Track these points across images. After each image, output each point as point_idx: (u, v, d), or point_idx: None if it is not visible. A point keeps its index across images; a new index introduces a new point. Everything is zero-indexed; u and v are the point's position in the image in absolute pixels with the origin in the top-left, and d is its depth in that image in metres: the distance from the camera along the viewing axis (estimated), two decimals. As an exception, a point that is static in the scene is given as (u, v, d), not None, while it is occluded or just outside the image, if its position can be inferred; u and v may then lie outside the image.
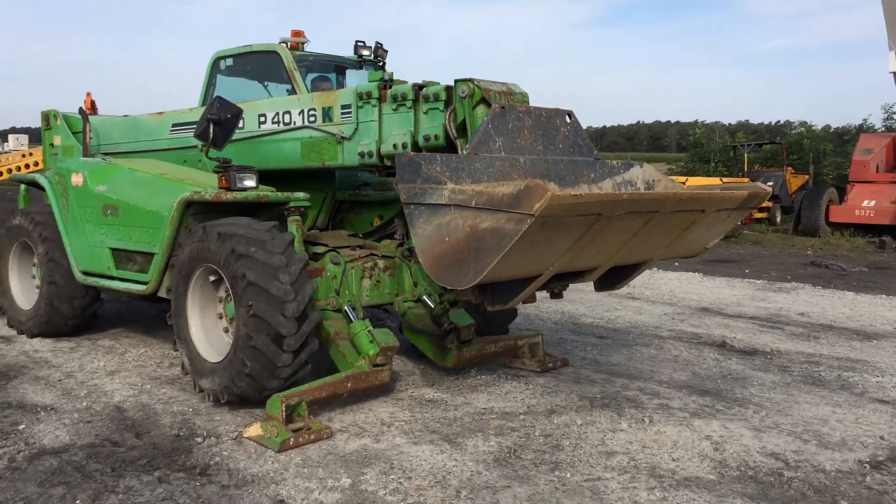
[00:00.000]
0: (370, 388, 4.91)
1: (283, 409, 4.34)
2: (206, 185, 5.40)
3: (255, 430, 4.42)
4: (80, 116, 7.22)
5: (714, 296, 9.64)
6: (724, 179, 19.07)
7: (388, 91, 5.07)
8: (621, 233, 4.12)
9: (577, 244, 3.92)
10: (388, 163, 5.10)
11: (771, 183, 20.29)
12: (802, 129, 29.58)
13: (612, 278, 4.87)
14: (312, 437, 4.41)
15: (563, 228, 3.73)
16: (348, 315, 5.20)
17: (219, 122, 5.05)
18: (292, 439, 4.31)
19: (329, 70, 6.58)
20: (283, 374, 4.70)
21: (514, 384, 5.63)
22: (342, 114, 5.31)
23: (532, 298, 5.41)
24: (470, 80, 4.71)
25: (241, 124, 5.43)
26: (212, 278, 5.08)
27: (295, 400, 4.42)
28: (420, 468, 4.11)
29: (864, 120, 29.68)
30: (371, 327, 5.00)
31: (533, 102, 5.02)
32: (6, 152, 36.65)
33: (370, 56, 6.54)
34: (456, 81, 4.77)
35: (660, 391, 5.50)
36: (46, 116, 7.62)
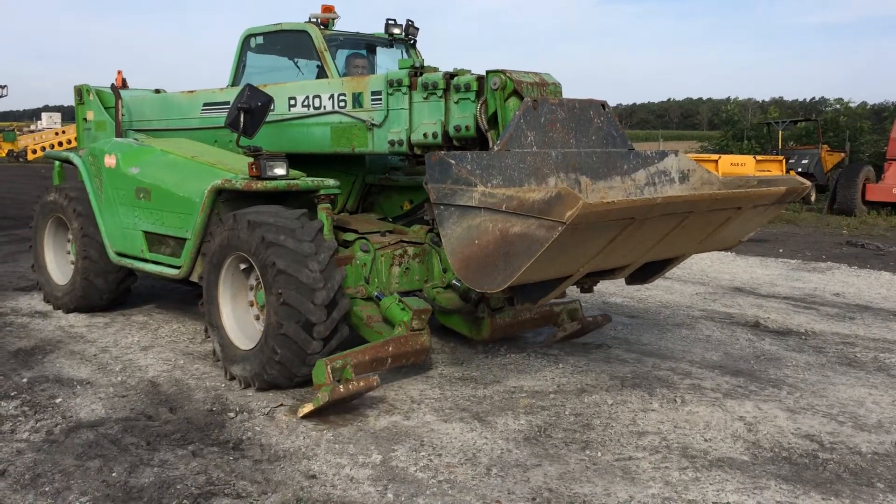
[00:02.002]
0: (412, 352, 4.88)
1: (329, 371, 4.35)
2: (236, 170, 5.41)
3: (307, 408, 4.43)
4: (112, 92, 7.27)
5: (747, 275, 9.52)
6: (758, 157, 18.77)
7: (419, 79, 5.01)
8: (655, 233, 4.07)
9: (608, 246, 3.88)
10: (419, 152, 5.07)
11: (806, 160, 19.97)
12: (838, 105, 28.97)
13: (644, 273, 4.83)
14: (362, 384, 4.42)
15: (594, 233, 3.70)
16: (378, 299, 5.21)
17: (249, 110, 5.05)
18: (342, 387, 4.33)
19: (360, 48, 6.55)
20: (314, 362, 4.73)
21: (544, 363, 5.61)
22: (372, 100, 5.28)
23: (562, 295, 5.37)
24: (502, 71, 4.64)
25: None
26: (243, 266, 5.11)
27: (339, 363, 4.43)
28: (450, 445, 4.13)
29: (903, 96, 28.98)
30: (400, 297, 5.03)
31: (562, 79, 4.95)
32: (40, 130, 37.20)
33: (401, 34, 6.49)
34: (488, 73, 4.70)
35: (692, 371, 5.46)
36: (80, 91, 7.69)
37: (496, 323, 5.63)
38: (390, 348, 4.75)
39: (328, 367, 4.36)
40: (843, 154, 21.53)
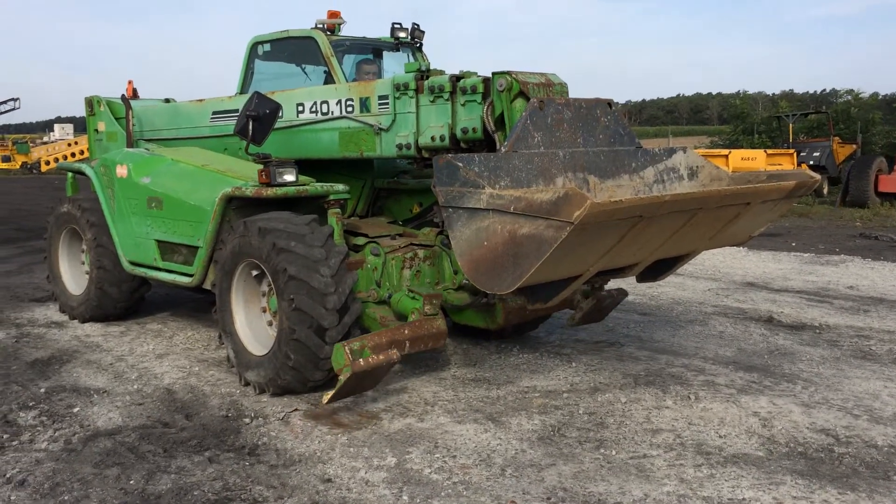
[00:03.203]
0: (428, 336, 4.87)
1: (348, 352, 4.36)
2: (246, 177, 5.45)
3: (331, 393, 4.46)
4: (122, 103, 7.33)
5: (760, 270, 9.48)
6: (769, 151, 18.67)
7: (426, 82, 5.03)
8: (664, 230, 4.07)
9: (617, 245, 3.88)
10: (427, 155, 5.08)
11: (817, 153, 19.83)
12: (849, 97, 28.78)
13: (655, 270, 4.83)
14: (381, 357, 4.45)
15: (603, 232, 3.71)
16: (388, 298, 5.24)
17: (258, 117, 5.09)
18: (362, 361, 4.35)
19: (366, 53, 6.57)
20: (327, 366, 4.75)
21: (557, 362, 5.62)
22: (379, 105, 5.30)
23: (572, 295, 5.37)
24: (508, 72, 4.65)
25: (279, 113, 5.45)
26: (254, 273, 5.15)
27: (357, 345, 4.45)
28: (464, 447, 4.14)
29: (915, 86, 28.79)
30: (409, 289, 5.10)
31: (570, 77, 4.96)
32: (53, 142, 37.47)
33: (407, 38, 6.51)
34: (493, 74, 4.71)
35: (705, 367, 5.45)
36: (90, 102, 7.75)
37: (509, 307, 5.61)
38: (406, 331, 4.76)
39: (346, 348, 4.38)
40: (854, 146, 21.36)
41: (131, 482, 3.79)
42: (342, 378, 4.34)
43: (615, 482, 3.71)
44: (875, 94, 31.66)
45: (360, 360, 4.35)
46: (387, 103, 5.25)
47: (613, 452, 4.05)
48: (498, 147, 4.57)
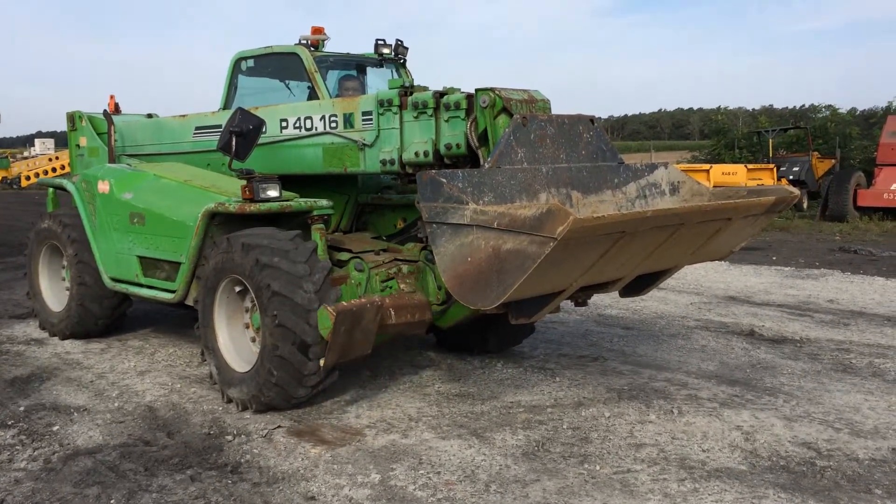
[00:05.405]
0: (411, 306, 4.90)
1: (332, 310, 4.42)
2: (230, 193, 5.44)
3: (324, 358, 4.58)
4: (104, 118, 7.30)
5: (741, 284, 9.55)
6: (749, 166, 18.86)
7: (409, 98, 5.05)
8: (646, 245, 4.11)
9: (601, 260, 3.91)
10: (410, 170, 5.09)
11: (797, 168, 20.06)
12: (828, 112, 29.18)
13: (638, 285, 4.86)
14: (363, 300, 4.58)
15: (586, 247, 3.73)
16: None
17: (241, 133, 5.09)
18: (344, 303, 4.47)
19: (350, 69, 6.59)
20: (310, 383, 4.74)
21: (541, 377, 5.62)
22: (363, 120, 5.31)
23: (556, 309, 5.38)
24: (491, 89, 4.69)
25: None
26: (238, 289, 5.13)
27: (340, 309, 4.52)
28: (449, 463, 4.13)
29: (891, 102, 29.31)
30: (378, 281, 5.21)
31: (554, 92, 5.00)
32: (33, 156, 37.20)
33: (390, 54, 6.54)
34: (477, 91, 4.75)
35: (688, 382, 5.47)
36: (72, 118, 7.71)
37: None
38: (388, 301, 4.81)
39: (329, 307, 4.43)
40: (833, 160, 21.65)
41: (112, 502, 3.74)
42: (330, 336, 4.39)
43: (599, 497, 3.71)
44: (853, 110, 32.24)
45: (343, 303, 4.42)
46: (370, 119, 5.27)
47: (597, 467, 4.05)
48: (481, 163, 4.59)
